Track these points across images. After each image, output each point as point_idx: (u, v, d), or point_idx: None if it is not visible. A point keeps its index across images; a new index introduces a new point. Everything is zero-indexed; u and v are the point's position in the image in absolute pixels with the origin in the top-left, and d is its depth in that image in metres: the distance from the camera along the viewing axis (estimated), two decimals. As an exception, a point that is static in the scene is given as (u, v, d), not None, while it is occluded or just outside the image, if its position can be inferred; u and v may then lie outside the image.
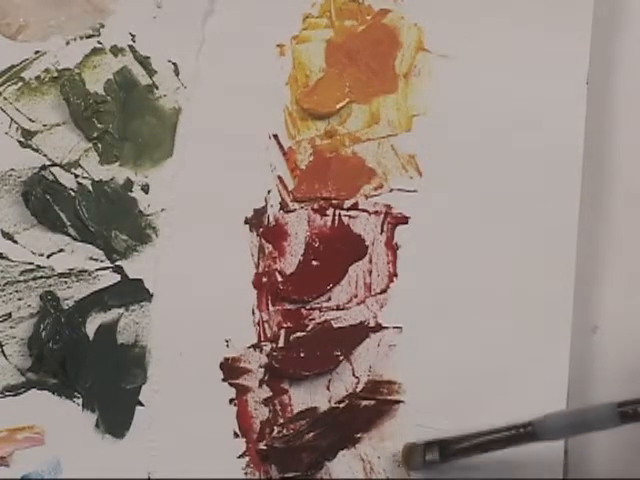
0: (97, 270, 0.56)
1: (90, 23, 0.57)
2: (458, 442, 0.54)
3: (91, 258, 0.56)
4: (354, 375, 0.57)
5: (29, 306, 0.56)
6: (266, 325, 0.57)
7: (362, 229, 0.57)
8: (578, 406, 0.55)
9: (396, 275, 0.57)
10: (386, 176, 0.58)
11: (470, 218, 0.57)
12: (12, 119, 0.56)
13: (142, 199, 0.57)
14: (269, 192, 0.57)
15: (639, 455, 0.57)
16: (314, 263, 0.57)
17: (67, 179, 0.57)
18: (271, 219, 0.57)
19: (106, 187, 0.57)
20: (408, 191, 0.58)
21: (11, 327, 0.56)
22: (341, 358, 0.57)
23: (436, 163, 0.57)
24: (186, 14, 0.57)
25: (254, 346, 0.57)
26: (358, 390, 0.57)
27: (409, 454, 0.56)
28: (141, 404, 0.56)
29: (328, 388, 0.57)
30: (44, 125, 0.57)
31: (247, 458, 0.56)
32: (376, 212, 0.57)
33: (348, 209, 0.57)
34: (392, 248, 0.57)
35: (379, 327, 0.57)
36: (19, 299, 0.56)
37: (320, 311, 0.57)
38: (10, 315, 0.56)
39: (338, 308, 0.57)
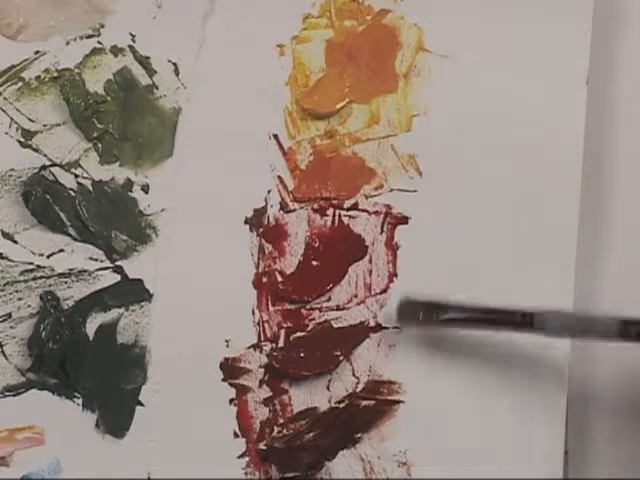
0: (97, 270, 0.56)
1: (90, 23, 0.57)
2: (457, 310, 0.54)
3: (91, 258, 0.56)
4: (354, 375, 0.57)
5: (29, 306, 0.56)
6: (266, 325, 0.57)
7: (362, 229, 0.57)
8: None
9: (396, 275, 0.57)
10: (386, 176, 0.58)
11: (470, 218, 0.57)
12: (12, 119, 0.56)
13: (142, 199, 0.57)
14: (269, 192, 0.57)
15: (639, 455, 0.57)
16: (314, 263, 0.57)
17: (67, 179, 0.57)
18: (271, 219, 0.57)
19: (106, 187, 0.57)
20: (408, 191, 0.58)
21: (11, 327, 0.56)
22: (341, 358, 0.57)
23: (436, 163, 0.57)
24: (186, 14, 0.57)
25: (254, 346, 0.57)
26: (358, 390, 0.57)
27: (405, 309, 0.56)
28: (141, 404, 0.56)
29: (328, 388, 0.57)
30: (44, 125, 0.57)
31: (247, 458, 0.56)
32: (376, 212, 0.57)
33: (348, 209, 0.57)
34: (392, 248, 0.57)
35: (379, 327, 0.57)
36: (19, 299, 0.56)
37: (320, 311, 0.57)
38: (10, 315, 0.56)
39: (338, 308, 0.57)
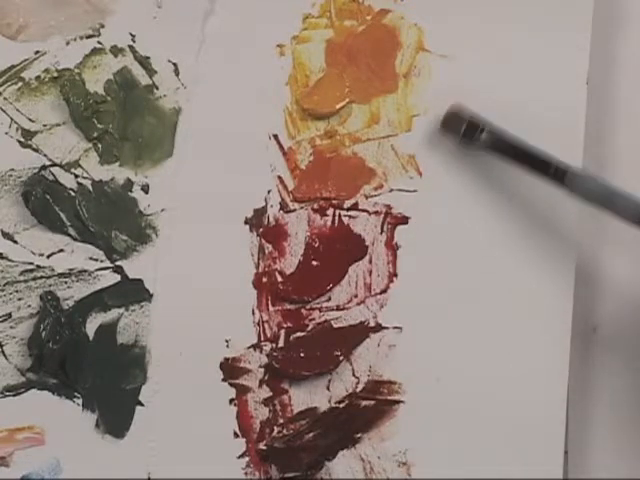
0: (97, 270, 0.56)
1: (90, 23, 0.57)
2: (497, 135, 0.55)
3: (91, 258, 0.56)
4: (354, 375, 0.57)
5: (29, 306, 0.56)
6: (266, 325, 0.57)
7: (362, 229, 0.57)
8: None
9: (396, 275, 0.57)
10: (386, 176, 0.58)
11: (470, 218, 0.57)
12: (12, 119, 0.56)
13: (142, 199, 0.57)
14: (269, 192, 0.57)
15: (639, 456, 0.57)
16: (314, 263, 0.57)
17: (67, 179, 0.57)
18: (271, 219, 0.57)
19: (106, 187, 0.57)
20: (408, 191, 0.58)
21: (11, 327, 0.56)
22: (341, 358, 0.57)
23: (436, 163, 0.57)
24: (186, 14, 0.57)
25: (254, 346, 0.57)
26: (358, 390, 0.57)
27: (451, 119, 0.56)
28: (141, 404, 0.56)
29: (328, 388, 0.57)
30: (44, 125, 0.57)
31: (247, 458, 0.56)
32: (376, 212, 0.57)
33: (348, 209, 0.57)
34: (392, 248, 0.57)
35: (379, 327, 0.57)
36: (19, 299, 0.56)
37: (320, 311, 0.57)
38: (10, 315, 0.56)
39: (338, 308, 0.57)
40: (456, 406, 0.57)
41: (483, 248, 0.57)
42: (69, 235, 0.56)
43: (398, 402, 0.57)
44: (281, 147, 0.57)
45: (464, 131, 0.55)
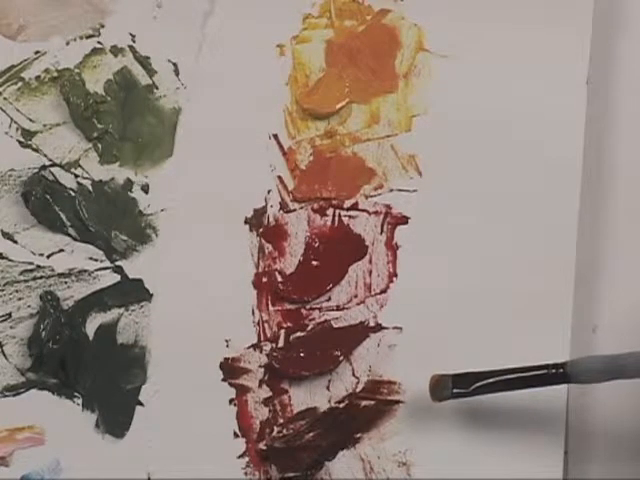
0: (97, 270, 0.56)
1: (90, 23, 0.57)
2: (488, 376, 0.54)
3: (91, 258, 0.56)
4: (354, 375, 0.57)
5: (29, 306, 0.56)
6: (266, 325, 0.57)
7: (362, 229, 0.57)
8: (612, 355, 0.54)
9: (396, 275, 0.57)
10: (386, 176, 0.58)
11: (470, 218, 0.57)
12: (12, 119, 0.56)
13: (142, 199, 0.57)
14: (269, 192, 0.57)
15: (639, 456, 0.57)
16: (314, 263, 0.57)
17: (67, 179, 0.57)
18: (271, 219, 0.57)
19: (106, 187, 0.57)
20: (408, 191, 0.58)
21: (11, 327, 0.56)
22: (341, 358, 0.57)
23: (436, 163, 0.57)
24: (186, 14, 0.57)
25: (254, 346, 0.57)
26: (358, 390, 0.57)
27: (436, 385, 0.55)
28: (141, 404, 0.56)
29: (328, 388, 0.57)
30: (44, 125, 0.57)
31: (247, 458, 0.56)
32: (376, 212, 0.57)
33: (348, 209, 0.57)
34: (392, 248, 0.57)
35: (379, 327, 0.57)
36: (19, 299, 0.56)
37: (320, 311, 0.57)
38: (10, 315, 0.56)
39: (338, 308, 0.57)
40: (456, 406, 0.57)
41: (483, 248, 0.57)
42: (69, 235, 0.56)
43: (398, 402, 0.57)
44: (281, 147, 0.57)
45: (455, 391, 0.54)
